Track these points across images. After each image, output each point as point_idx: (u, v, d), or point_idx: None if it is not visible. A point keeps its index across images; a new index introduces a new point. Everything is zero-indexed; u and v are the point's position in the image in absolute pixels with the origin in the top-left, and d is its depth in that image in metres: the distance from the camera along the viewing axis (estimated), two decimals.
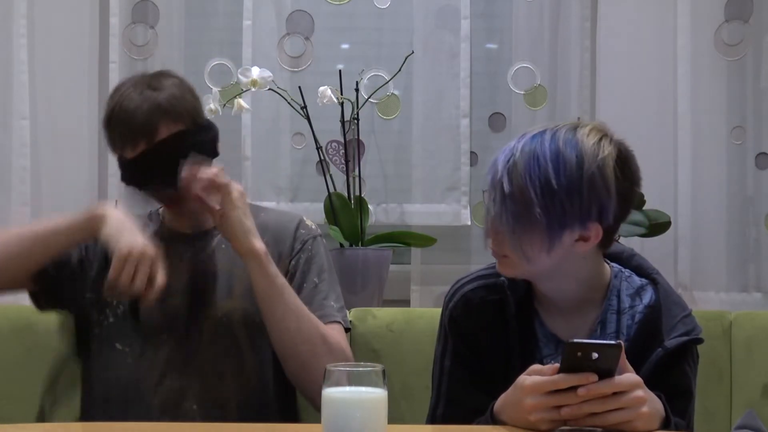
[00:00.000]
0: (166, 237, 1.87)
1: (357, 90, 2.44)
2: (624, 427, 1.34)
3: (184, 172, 1.73)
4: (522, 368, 1.42)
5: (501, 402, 1.45)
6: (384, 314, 2.15)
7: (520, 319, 1.58)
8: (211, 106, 2.29)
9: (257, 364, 1.82)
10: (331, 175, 2.41)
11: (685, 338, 1.53)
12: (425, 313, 2.14)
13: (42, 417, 2.03)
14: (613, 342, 1.37)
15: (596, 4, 2.56)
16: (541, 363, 1.48)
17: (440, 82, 2.55)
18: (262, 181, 2.53)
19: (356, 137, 2.47)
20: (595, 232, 1.49)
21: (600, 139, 1.49)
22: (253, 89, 2.32)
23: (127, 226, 1.71)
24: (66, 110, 2.52)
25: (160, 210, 1.95)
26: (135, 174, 1.78)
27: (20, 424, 1.57)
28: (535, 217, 1.46)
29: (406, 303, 2.56)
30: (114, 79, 2.52)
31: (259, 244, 1.73)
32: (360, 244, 2.39)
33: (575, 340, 1.35)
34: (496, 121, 2.61)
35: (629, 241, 2.26)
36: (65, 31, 2.53)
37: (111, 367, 1.81)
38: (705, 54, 2.51)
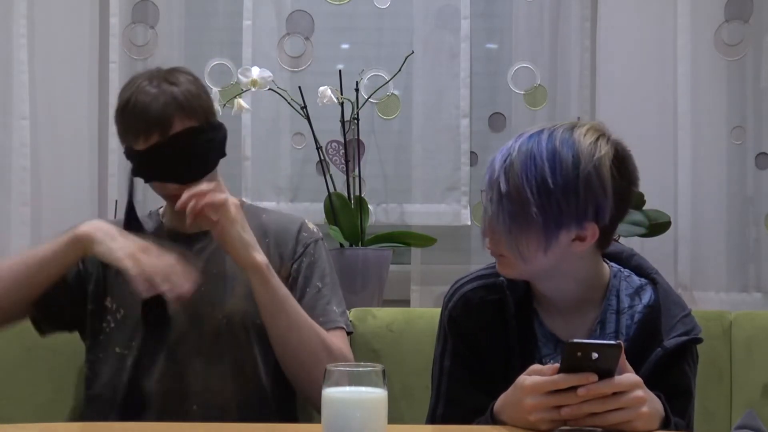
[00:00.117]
0: (165, 237, 1.87)
1: (357, 90, 2.44)
2: (624, 427, 1.34)
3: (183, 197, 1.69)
4: (522, 368, 1.42)
5: (501, 402, 1.45)
6: (384, 314, 2.15)
7: (520, 319, 1.59)
8: None
9: (257, 365, 1.82)
10: (331, 175, 2.41)
11: (684, 338, 1.53)
12: (425, 313, 2.14)
13: None
14: (612, 342, 1.37)
15: (596, 4, 2.56)
16: (541, 363, 1.49)
17: (440, 82, 2.55)
18: (262, 181, 2.54)
19: (356, 137, 2.47)
20: (592, 231, 1.49)
21: (597, 139, 1.49)
22: (253, 89, 2.32)
23: (115, 236, 1.68)
24: (66, 110, 2.52)
25: (160, 210, 1.95)
26: (144, 166, 1.78)
27: (20, 424, 1.57)
28: (531, 217, 1.46)
29: (406, 303, 2.56)
30: (114, 79, 2.52)
31: (260, 258, 1.72)
32: (360, 244, 2.39)
33: (575, 340, 1.35)
34: (496, 121, 2.61)
35: (629, 241, 2.26)
36: (65, 31, 2.53)
37: (112, 371, 1.81)
38: (705, 54, 2.51)
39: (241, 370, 1.80)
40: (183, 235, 1.87)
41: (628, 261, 1.66)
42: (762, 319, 2.15)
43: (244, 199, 2.22)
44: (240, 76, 2.32)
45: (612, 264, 1.63)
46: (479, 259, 2.42)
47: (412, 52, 2.48)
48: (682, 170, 2.49)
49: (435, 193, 2.54)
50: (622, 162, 1.50)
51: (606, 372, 1.33)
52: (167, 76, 1.79)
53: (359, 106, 2.44)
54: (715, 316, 2.15)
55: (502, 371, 1.55)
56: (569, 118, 2.35)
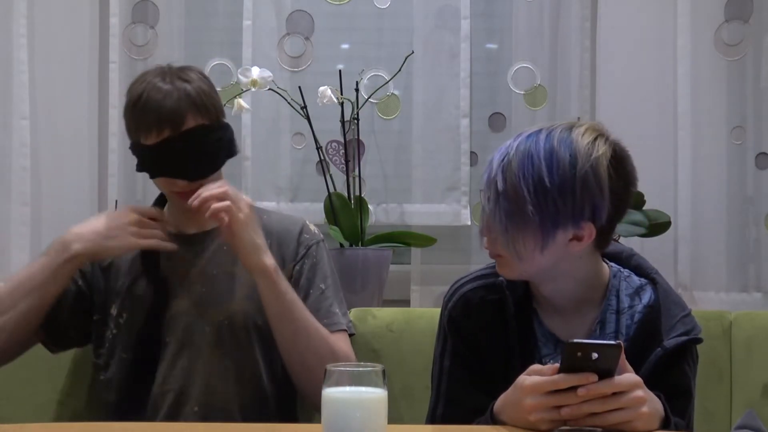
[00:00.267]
0: (166, 237, 1.87)
1: (357, 90, 2.44)
2: (624, 427, 1.34)
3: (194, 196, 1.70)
4: (521, 368, 1.42)
5: (501, 402, 1.45)
6: (384, 314, 2.15)
7: (520, 319, 1.59)
8: None
9: (258, 365, 1.82)
10: (331, 175, 2.41)
11: (684, 338, 1.53)
12: (425, 313, 2.14)
13: None
14: (612, 342, 1.37)
15: (596, 4, 2.56)
16: (541, 363, 1.49)
17: (440, 82, 2.55)
18: (262, 181, 2.54)
19: (356, 137, 2.47)
20: (589, 231, 1.49)
21: (595, 139, 1.49)
22: (253, 89, 2.32)
23: (92, 226, 1.74)
24: (66, 110, 2.52)
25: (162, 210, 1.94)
26: (153, 161, 1.77)
27: (20, 424, 1.57)
28: (527, 216, 1.47)
29: (406, 303, 2.56)
30: (114, 79, 2.52)
31: (269, 261, 1.72)
32: (360, 244, 2.39)
33: (575, 340, 1.35)
34: (496, 121, 2.61)
35: (629, 241, 2.26)
36: (65, 31, 2.53)
37: (116, 374, 1.82)
38: (705, 54, 2.51)
39: (242, 371, 1.80)
40: (183, 236, 1.87)
41: (627, 261, 1.66)
42: (762, 319, 2.15)
43: None
44: (240, 76, 2.32)
45: (612, 264, 1.63)
46: (479, 259, 2.42)
47: (412, 52, 2.48)
48: (682, 170, 2.49)
49: (435, 193, 2.54)
50: (619, 162, 1.50)
51: (606, 372, 1.33)
52: (179, 73, 1.79)
53: (359, 106, 2.44)
54: (715, 316, 2.15)
55: (502, 371, 1.55)
56: (569, 118, 2.34)
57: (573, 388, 1.32)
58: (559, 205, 1.46)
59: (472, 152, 2.57)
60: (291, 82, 2.51)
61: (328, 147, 2.52)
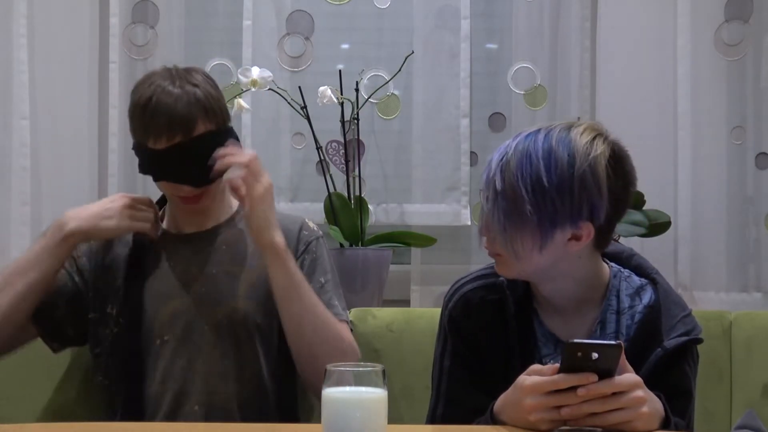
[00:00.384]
0: (166, 237, 1.87)
1: (357, 90, 2.44)
2: (624, 427, 1.34)
3: (220, 152, 1.73)
4: (522, 368, 1.42)
5: (501, 402, 1.45)
6: (384, 314, 2.15)
7: (520, 319, 1.59)
8: None
9: (258, 364, 1.82)
10: (331, 175, 2.41)
11: (684, 338, 1.53)
12: (425, 313, 2.14)
13: None
14: (613, 342, 1.37)
15: (596, 4, 2.56)
16: (541, 363, 1.49)
17: (440, 82, 2.55)
18: None
19: (356, 137, 2.47)
20: (587, 231, 1.49)
21: (594, 138, 1.49)
22: (253, 89, 2.32)
23: (88, 208, 1.78)
24: (66, 110, 2.52)
25: (161, 210, 1.94)
26: (161, 165, 1.77)
27: (20, 424, 1.57)
28: (526, 215, 1.47)
29: (406, 303, 2.56)
30: (114, 79, 2.52)
31: (279, 239, 1.73)
32: (360, 244, 2.39)
33: (575, 341, 1.35)
34: (496, 121, 2.61)
35: (629, 241, 2.26)
36: (65, 31, 2.53)
37: (113, 373, 1.82)
38: (705, 54, 2.51)
39: (242, 370, 1.80)
40: (183, 235, 1.88)
41: (628, 261, 1.66)
42: (762, 319, 2.15)
43: None
44: (240, 76, 2.32)
45: (612, 264, 1.63)
46: (479, 259, 2.42)
47: (412, 52, 2.48)
48: (682, 170, 2.49)
49: (435, 193, 2.54)
50: (618, 162, 1.50)
51: (606, 372, 1.33)
52: (187, 76, 1.78)
53: (359, 106, 2.44)
54: (715, 316, 2.15)
55: (502, 371, 1.55)
56: (569, 118, 2.33)
57: (573, 388, 1.32)
58: (557, 205, 1.46)
59: (472, 152, 2.57)
60: (291, 82, 2.51)
61: (328, 147, 2.52)
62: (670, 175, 2.50)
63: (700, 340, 1.57)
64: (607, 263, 1.63)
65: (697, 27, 2.50)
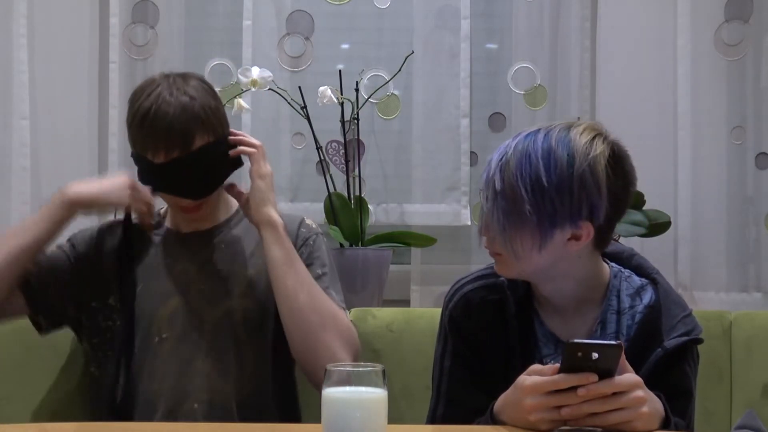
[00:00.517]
0: (166, 236, 1.88)
1: (357, 90, 2.44)
2: (624, 427, 1.34)
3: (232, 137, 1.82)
4: (522, 368, 1.42)
5: (501, 402, 1.45)
6: (384, 314, 2.15)
7: (520, 319, 1.59)
8: None
9: (258, 363, 1.82)
10: (331, 175, 2.41)
11: (685, 338, 1.53)
12: (425, 313, 2.14)
13: None
14: (613, 342, 1.37)
15: (596, 4, 2.56)
16: (541, 363, 1.49)
17: (440, 82, 2.55)
18: None
19: (356, 137, 2.47)
20: (587, 231, 1.49)
21: (593, 138, 1.49)
22: (253, 89, 2.32)
23: (91, 180, 1.82)
24: (66, 110, 2.52)
25: (161, 210, 1.94)
26: (159, 178, 1.77)
27: (20, 424, 1.57)
28: (525, 215, 1.47)
29: (406, 303, 2.56)
30: (114, 79, 2.52)
31: (276, 216, 1.77)
32: (360, 244, 2.39)
33: (575, 341, 1.35)
34: (496, 121, 2.61)
35: (629, 241, 2.26)
36: (65, 31, 2.53)
37: (115, 370, 1.81)
38: (705, 54, 2.51)
39: (242, 369, 1.80)
40: (182, 235, 1.88)
41: (628, 261, 1.66)
42: (762, 319, 2.15)
43: None
44: (240, 76, 2.32)
45: (612, 264, 1.63)
46: (479, 259, 2.42)
47: (412, 52, 2.48)
48: (682, 170, 2.49)
49: (435, 193, 2.54)
50: (618, 161, 1.50)
51: (606, 372, 1.33)
52: (185, 86, 1.76)
53: (359, 106, 2.44)
54: (715, 316, 2.15)
55: (502, 371, 1.55)
56: (569, 118, 2.34)
57: (573, 388, 1.32)
58: (557, 205, 1.46)
59: (472, 152, 2.57)
60: (291, 82, 2.51)
61: (328, 147, 2.52)
62: (670, 175, 2.50)
63: (700, 340, 1.57)
64: (608, 263, 1.62)
65: (697, 27, 2.50)
